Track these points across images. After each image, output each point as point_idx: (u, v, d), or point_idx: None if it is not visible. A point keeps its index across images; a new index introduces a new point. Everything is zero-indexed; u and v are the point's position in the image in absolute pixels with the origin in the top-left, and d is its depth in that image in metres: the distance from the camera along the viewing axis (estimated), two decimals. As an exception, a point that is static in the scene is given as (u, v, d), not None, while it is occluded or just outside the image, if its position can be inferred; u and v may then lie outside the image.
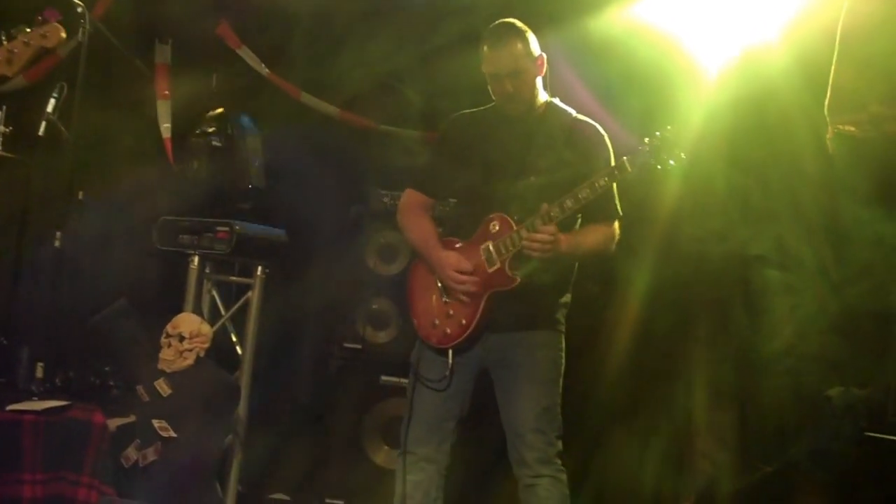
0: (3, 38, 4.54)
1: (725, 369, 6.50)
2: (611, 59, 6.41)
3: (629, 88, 6.42)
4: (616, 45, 6.34)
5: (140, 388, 5.94)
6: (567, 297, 5.27)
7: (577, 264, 5.30)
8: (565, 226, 5.00)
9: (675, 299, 6.61)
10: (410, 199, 5.44)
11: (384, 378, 7.03)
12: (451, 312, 5.18)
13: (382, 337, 7.15)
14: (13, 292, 6.87)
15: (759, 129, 6.12)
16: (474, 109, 5.35)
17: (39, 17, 4.60)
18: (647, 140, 4.88)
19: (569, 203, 4.91)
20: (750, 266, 6.23)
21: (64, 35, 4.58)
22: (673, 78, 6.28)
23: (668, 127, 4.88)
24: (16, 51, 4.49)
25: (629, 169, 4.87)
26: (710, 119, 5.94)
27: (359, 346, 7.14)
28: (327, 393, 7.26)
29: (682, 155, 4.86)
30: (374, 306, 7.13)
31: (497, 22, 5.14)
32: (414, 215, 5.40)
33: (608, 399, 6.67)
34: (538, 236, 4.89)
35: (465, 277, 5.09)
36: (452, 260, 5.15)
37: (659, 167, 4.86)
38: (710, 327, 6.52)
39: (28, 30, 4.54)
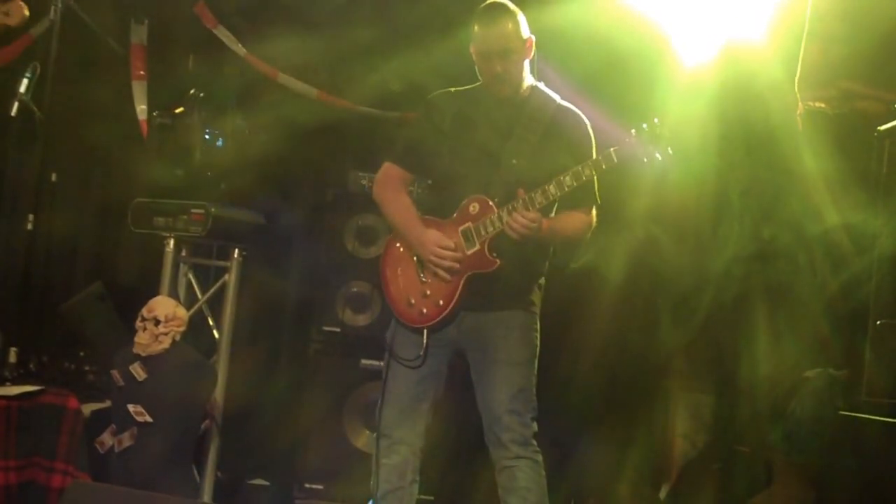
0: None
1: (703, 353, 6.50)
2: (591, 47, 6.37)
3: (610, 76, 6.39)
4: (597, 32, 6.32)
5: (115, 373, 5.92)
6: (542, 279, 5.27)
7: (551, 248, 5.29)
8: (543, 210, 5.00)
9: (652, 285, 6.62)
10: (389, 172, 5.39)
11: (364, 361, 7.04)
12: (429, 293, 5.17)
13: (362, 320, 7.16)
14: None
15: (741, 121, 6.12)
16: (459, 88, 5.31)
17: None
18: (633, 132, 4.87)
19: (552, 190, 4.91)
20: (730, 252, 6.23)
21: (27, 13, 4.55)
22: (654, 66, 6.27)
23: (656, 120, 4.86)
24: None
25: (615, 160, 4.86)
26: (691, 109, 5.93)
27: (338, 330, 7.13)
28: (306, 377, 7.25)
29: (670, 150, 4.85)
30: (353, 289, 7.13)
31: (488, 2, 5.11)
32: (392, 190, 5.36)
33: (586, 377, 6.65)
34: (521, 220, 4.88)
35: (447, 253, 5.08)
36: (434, 237, 5.13)
37: (645, 160, 4.86)
38: (687, 313, 6.51)
39: None
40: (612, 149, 4.88)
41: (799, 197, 5.59)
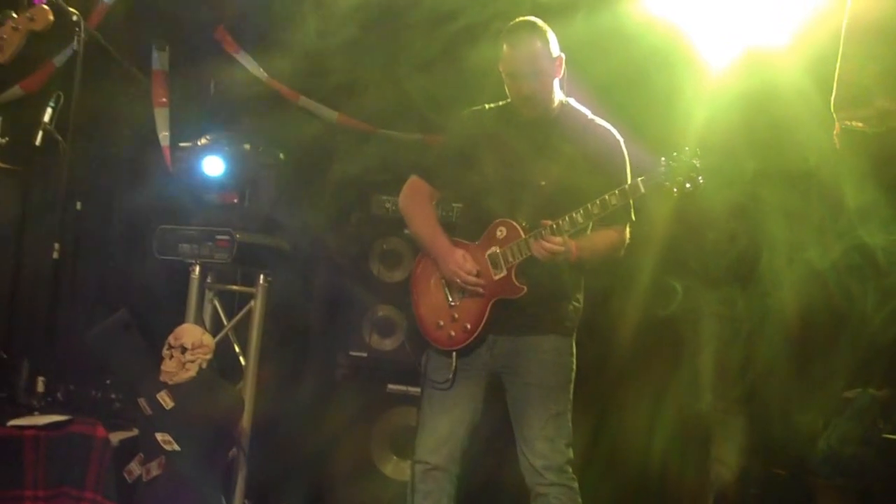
0: None
1: (736, 375, 6.45)
2: (614, 53, 6.34)
3: (632, 84, 6.36)
4: (619, 38, 6.28)
5: (142, 401, 5.89)
6: (578, 302, 5.22)
7: (584, 272, 5.25)
8: (576, 230, 4.95)
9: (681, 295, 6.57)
10: (415, 186, 5.37)
11: (391, 386, 6.98)
12: (457, 316, 5.15)
13: (388, 344, 7.10)
14: (12, 305, 6.82)
15: (764, 127, 6.08)
16: (489, 105, 5.28)
17: (26, 1, 4.56)
18: (663, 160, 4.84)
19: (579, 218, 4.88)
20: (756, 262, 6.18)
21: (52, 17, 4.54)
22: (677, 73, 6.23)
23: (686, 148, 4.83)
24: (5, 37, 4.45)
25: (642, 190, 4.85)
26: (714, 116, 5.90)
27: (364, 354, 7.09)
28: (333, 402, 7.20)
29: (701, 179, 4.81)
30: (379, 313, 7.08)
31: (517, 20, 5.07)
32: (419, 203, 5.34)
33: (612, 389, 6.61)
34: (547, 245, 4.84)
35: (470, 278, 5.05)
36: (458, 255, 5.12)
37: (675, 190, 4.82)
38: (716, 326, 6.46)
39: (15, 15, 4.49)
40: (639, 179, 4.87)
41: (837, 217, 5.55)
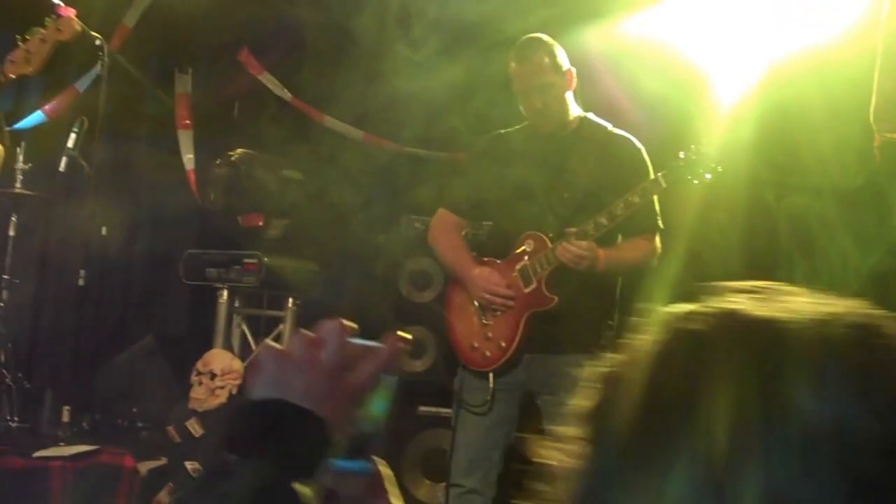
0: (20, 41, 4.48)
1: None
2: (626, 77, 6.29)
3: (647, 106, 6.30)
4: (630, 62, 6.23)
5: (171, 429, 5.85)
6: (613, 319, 5.15)
7: (619, 286, 5.18)
8: (605, 241, 4.92)
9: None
10: (442, 218, 5.37)
11: (422, 408, 6.90)
12: (490, 335, 5.09)
13: (419, 366, 7.02)
14: (36, 334, 6.78)
15: (787, 144, 6.04)
16: (507, 129, 5.27)
17: (53, 15, 4.54)
18: (682, 154, 4.84)
19: (603, 220, 4.85)
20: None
21: (78, 27, 4.52)
22: (693, 95, 6.17)
23: (704, 140, 4.85)
24: (32, 49, 4.44)
25: (663, 185, 4.85)
26: (733, 137, 5.84)
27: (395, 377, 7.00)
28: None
29: (719, 168, 4.83)
30: (409, 335, 7.00)
31: (524, 37, 5.08)
32: (445, 234, 5.34)
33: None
34: (571, 248, 4.80)
35: (499, 290, 5.00)
36: (483, 274, 5.08)
37: (696, 181, 4.83)
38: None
39: (42, 29, 4.49)
40: (660, 174, 4.88)
41: (883, 230, 5.48)
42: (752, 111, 5.93)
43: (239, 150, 7.16)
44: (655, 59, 6.20)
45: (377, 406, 1.39)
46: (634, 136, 5.20)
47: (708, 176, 4.82)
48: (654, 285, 6.08)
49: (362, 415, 1.33)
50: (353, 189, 7.29)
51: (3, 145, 5.38)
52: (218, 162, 6.97)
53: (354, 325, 1.32)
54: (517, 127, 5.24)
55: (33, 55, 4.48)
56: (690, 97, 6.08)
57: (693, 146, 4.83)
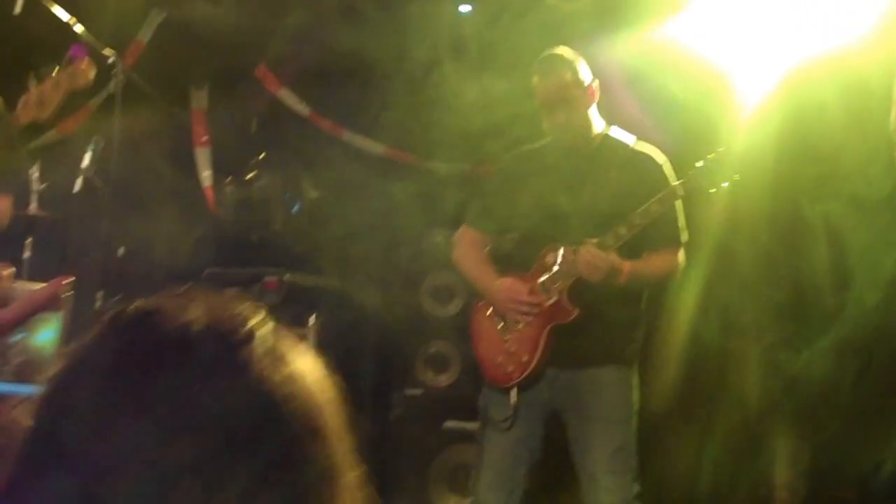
0: (33, 80, 4.45)
1: (799, 397, 6.32)
2: (647, 84, 6.25)
3: (667, 113, 6.26)
4: (651, 69, 6.20)
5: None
6: (638, 333, 5.12)
7: (644, 299, 5.14)
8: (630, 257, 4.90)
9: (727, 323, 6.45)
10: (465, 235, 5.40)
11: (448, 423, 6.88)
12: (512, 350, 5.07)
13: (444, 380, 7.00)
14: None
15: (808, 150, 6.01)
16: (531, 146, 5.30)
17: (67, 57, 4.50)
18: (699, 163, 4.85)
19: (622, 231, 4.85)
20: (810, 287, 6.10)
21: (93, 74, 4.48)
22: (712, 101, 6.13)
23: (721, 148, 4.86)
24: (46, 93, 4.39)
25: (681, 193, 4.87)
26: (753, 143, 5.81)
27: (419, 392, 6.99)
28: (389, 443, 7.10)
29: (736, 176, 4.85)
30: (432, 349, 6.98)
31: (546, 52, 5.09)
32: (469, 252, 5.35)
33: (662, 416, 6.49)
34: (588, 257, 4.78)
35: (523, 298, 4.97)
36: (506, 284, 5.09)
37: (713, 189, 4.86)
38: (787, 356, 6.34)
39: (57, 69, 4.45)
40: (677, 182, 4.89)
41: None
42: (773, 117, 5.91)
43: (257, 167, 7.14)
44: (677, 64, 6.17)
45: (43, 336, 1.59)
46: (655, 142, 5.19)
47: (725, 184, 4.84)
48: (680, 297, 6.10)
49: (31, 343, 1.52)
50: (374, 204, 7.27)
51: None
52: (235, 179, 6.95)
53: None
54: (540, 143, 5.26)
55: (47, 100, 4.42)
56: (711, 103, 6.06)
57: (711, 155, 4.84)
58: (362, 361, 7.40)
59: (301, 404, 1.23)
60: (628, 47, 6.18)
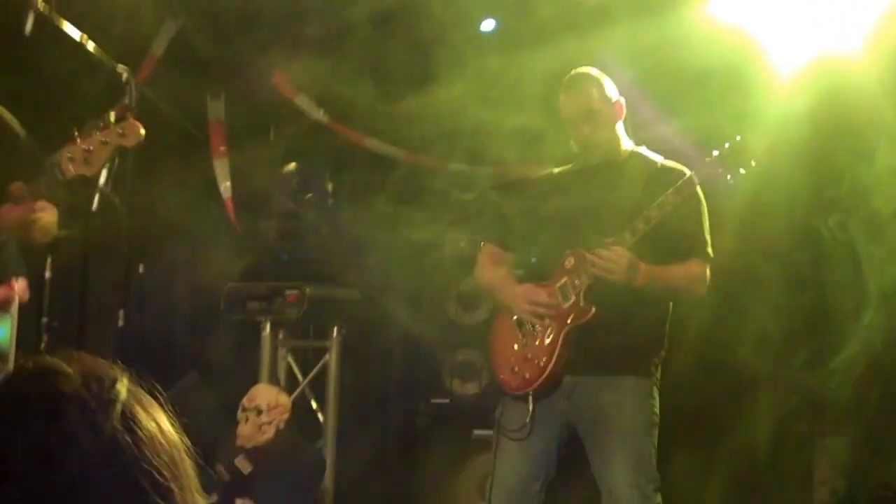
0: (76, 134, 4.40)
1: (839, 393, 6.27)
2: (681, 59, 6.21)
3: (699, 91, 6.23)
4: (686, 44, 6.15)
5: (220, 467, 5.84)
6: (661, 346, 5.06)
7: (669, 311, 5.09)
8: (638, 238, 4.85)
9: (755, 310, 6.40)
10: (487, 251, 5.38)
11: (476, 432, 6.85)
12: (529, 356, 5.03)
13: (471, 388, 7.00)
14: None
15: (841, 133, 5.95)
16: (557, 169, 5.27)
17: (112, 113, 4.46)
18: (714, 153, 4.80)
19: (640, 225, 4.80)
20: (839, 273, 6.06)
21: (143, 132, 4.44)
22: (746, 80, 6.10)
23: (738, 137, 4.80)
24: (92, 149, 4.35)
25: (696, 181, 4.82)
26: (786, 124, 5.77)
27: (447, 401, 6.98)
28: (417, 453, 7.10)
29: (753, 163, 4.79)
30: (459, 358, 6.97)
31: (572, 71, 5.10)
32: (490, 266, 5.32)
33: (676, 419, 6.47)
34: (603, 252, 4.74)
35: (540, 300, 4.96)
36: (526, 289, 5.06)
37: (729, 178, 4.81)
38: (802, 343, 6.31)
39: (101, 125, 4.40)
40: (692, 172, 4.83)
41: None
42: (804, 100, 5.88)
43: (275, 176, 7.14)
44: (710, 41, 6.13)
45: None
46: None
47: (742, 171, 4.78)
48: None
49: None
50: (396, 211, 7.24)
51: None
52: (255, 190, 6.96)
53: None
54: (566, 167, 5.23)
55: (93, 157, 4.39)
56: (745, 82, 6.03)
57: (726, 143, 4.78)
58: (389, 371, 7.41)
59: (158, 462, 1.35)
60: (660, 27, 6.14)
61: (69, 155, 4.27)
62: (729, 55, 6.09)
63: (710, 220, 5.00)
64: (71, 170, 4.29)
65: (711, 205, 5.00)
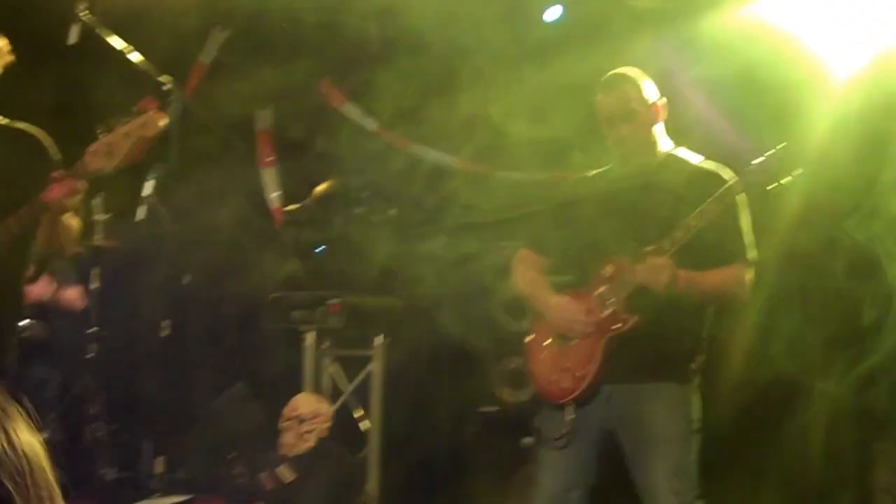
0: (102, 131, 4.47)
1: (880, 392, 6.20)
2: (730, 62, 6.17)
3: (750, 93, 6.19)
4: (736, 45, 6.12)
5: (263, 477, 5.90)
6: (700, 352, 5.02)
7: (708, 316, 5.05)
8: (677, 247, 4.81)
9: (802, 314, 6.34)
10: (522, 257, 5.37)
11: (526, 440, 6.83)
12: (568, 365, 5.02)
13: (521, 396, 6.96)
14: (134, 387, 6.92)
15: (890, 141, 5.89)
16: (594, 172, 5.23)
17: (137, 107, 4.52)
18: (757, 160, 4.70)
19: (679, 234, 4.74)
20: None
21: (163, 123, 4.49)
22: (797, 83, 6.04)
23: (782, 144, 4.69)
24: (115, 143, 4.41)
25: (738, 190, 4.73)
26: (838, 127, 5.70)
27: (496, 409, 6.97)
28: (467, 462, 7.10)
29: (798, 171, 4.68)
30: (508, 365, 6.95)
31: (610, 72, 5.06)
32: (523, 271, 5.32)
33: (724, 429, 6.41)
34: (649, 263, 4.71)
35: (576, 316, 4.93)
36: (563, 302, 5.03)
37: (772, 186, 4.70)
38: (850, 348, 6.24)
39: (126, 121, 4.47)
40: (734, 179, 4.75)
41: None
42: (855, 106, 5.82)
43: (322, 185, 7.19)
44: (766, 45, 6.09)
45: None
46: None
47: (785, 180, 4.66)
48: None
49: None
50: (440, 218, 7.27)
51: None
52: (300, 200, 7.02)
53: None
54: (603, 169, 5.19)
55: (115, 149, 4.44)
56: (796, 88, 5.98)
57: (770, 150, 4.67)
58: (437, 380, 7.42)
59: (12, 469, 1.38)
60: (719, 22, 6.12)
61: (92, 150, 4.31)
62: (776, 58, 6.05)
63: (753, 228, 4.98)
64: (92, 163, 4.31)
65: (755, 212, 4.97)
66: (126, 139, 4.35)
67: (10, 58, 4.55)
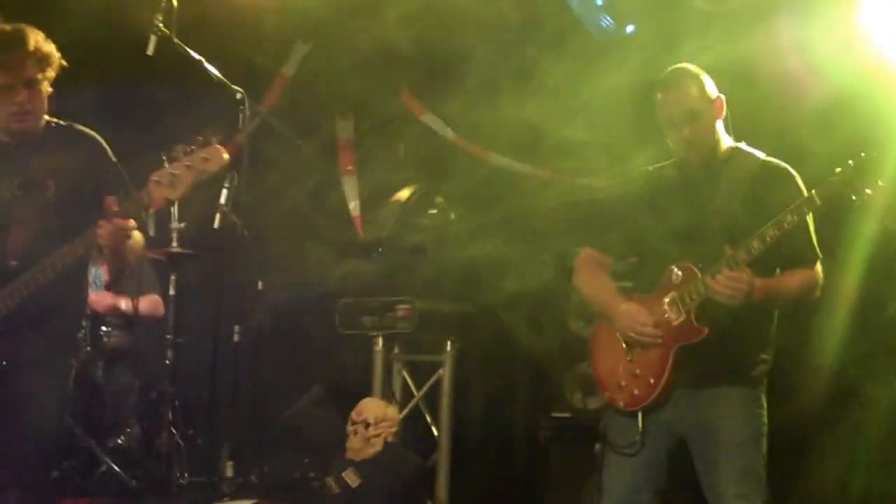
0: (164, 157, 4.56)
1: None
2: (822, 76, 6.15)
3: (839, 107, 6.14)
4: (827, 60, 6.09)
5: (329, 481, 5.98)
6: (768, 354, 5.01)
7: (776, 316, 5.04)
8: (759, 275, 4.78)
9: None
10: (587, 256, 5.32)
11: (599, 446, 6.84)
12: (638, 372, 4.99)
13: (593, 402, 6.96)
14: (211, 392, 7.07)
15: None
16: (656, 165, 5.19)
17: (200, 138, 4.58)
18: (838, 170, 4.61)
19: (755, 244, 4.67)
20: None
21: (227, 157, 4.56)
22: (882, 94, 5.99)
23: (863, 154, 4.58)
24: (178, 173, 4.47)
25: (818, 202, 4.62)
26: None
27: (568, 415, 6.99)
28: (539, 468, 7.13)
29: (880, 182, 4.58)
30: (581, 371, 6.97)
31: (670, 68, 5.00)
32: (589, 272, 5.28)
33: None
34: (724, 281, 4.69)
35: (647, 329, 4.92)
36: (631, 309, 4.98)
37: (854, 198, 4.59)
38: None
39: (189, 150, 4.54)
40: (813, 190, 4.66)
41: None
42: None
43: (403, 193, 7.28)
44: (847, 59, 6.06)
45: None
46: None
47: (868, 192, 4.56)
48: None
49: None
50: (514, 225, 7.31)
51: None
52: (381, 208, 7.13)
53: None
54: (665, 163, 5.16)
55: (179, 181, 4.49)
56: (881, 100, 5.93)
57: (851, 161, 4.58)
58: (510, 385, 7.46)
59: None
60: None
61: (156, 179, 4.35)
62: (861, 68, 6.01)
63: (833, 241, 4.94)
64: (156, 192, 4.40)
65: (834, 223, 4.94)
66: (189, 171, 4.40)
67: (61, 62, 4.65)
